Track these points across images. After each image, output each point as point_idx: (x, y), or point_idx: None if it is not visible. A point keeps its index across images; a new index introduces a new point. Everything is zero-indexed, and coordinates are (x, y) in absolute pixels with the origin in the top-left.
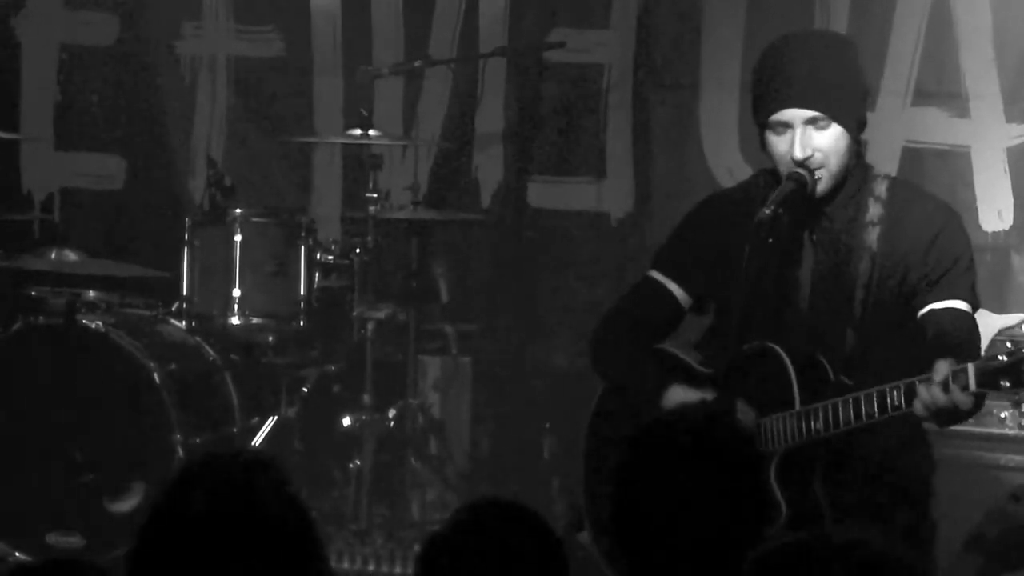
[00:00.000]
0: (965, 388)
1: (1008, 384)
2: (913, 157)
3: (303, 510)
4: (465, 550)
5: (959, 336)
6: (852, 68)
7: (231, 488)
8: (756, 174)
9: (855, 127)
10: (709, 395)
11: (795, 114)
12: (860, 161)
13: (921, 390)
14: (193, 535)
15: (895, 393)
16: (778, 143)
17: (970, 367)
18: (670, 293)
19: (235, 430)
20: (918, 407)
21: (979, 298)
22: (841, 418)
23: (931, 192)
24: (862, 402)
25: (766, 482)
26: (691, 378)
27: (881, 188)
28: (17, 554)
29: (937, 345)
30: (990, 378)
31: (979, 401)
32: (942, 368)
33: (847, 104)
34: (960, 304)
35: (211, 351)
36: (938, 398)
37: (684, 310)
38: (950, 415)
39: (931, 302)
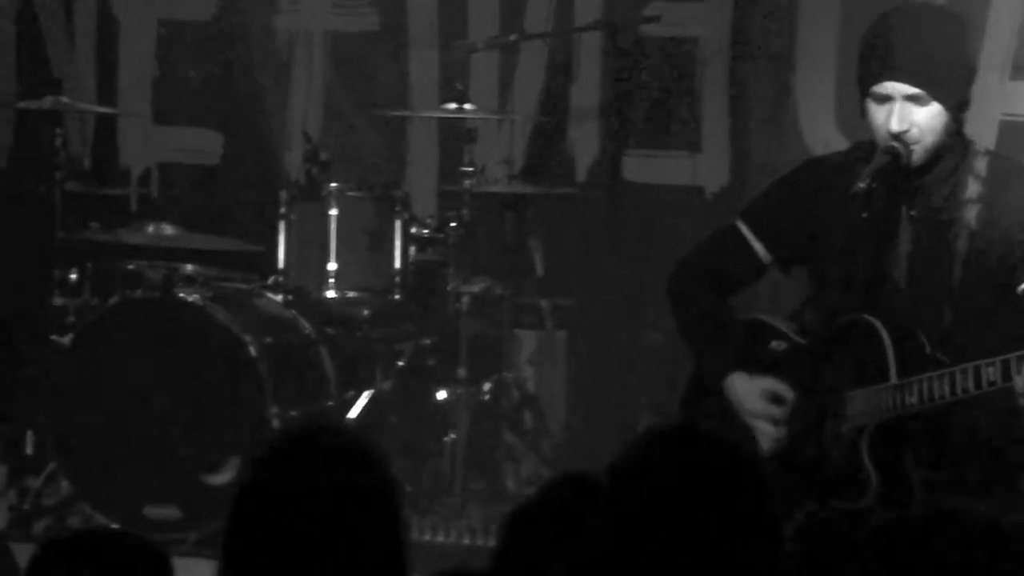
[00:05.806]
0: None
1: None
2: (1011, 131)
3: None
4: (546, 524)
5: None
6: (959, 47)
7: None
8: (856, 144)
9: (955, 107)
10: (774, 384)
11: (897, 88)
12: (960, 137)
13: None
14: (286, 511)
15: (991, 369)
16: (877, 113)
17: None
18: (752, 248)
19: (330, 403)
20: (1019, 382)
21: None
22: (936, 392)
23: None
24: (957, 376)
25: (858, 455)
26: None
27: (981, 165)
28: (115, 527)
29: None
30: None
31: None
32: None
33: (950, 83)
34: None
35: (307, 325)
36: None
37: (764, 267)
38: None
39: None
